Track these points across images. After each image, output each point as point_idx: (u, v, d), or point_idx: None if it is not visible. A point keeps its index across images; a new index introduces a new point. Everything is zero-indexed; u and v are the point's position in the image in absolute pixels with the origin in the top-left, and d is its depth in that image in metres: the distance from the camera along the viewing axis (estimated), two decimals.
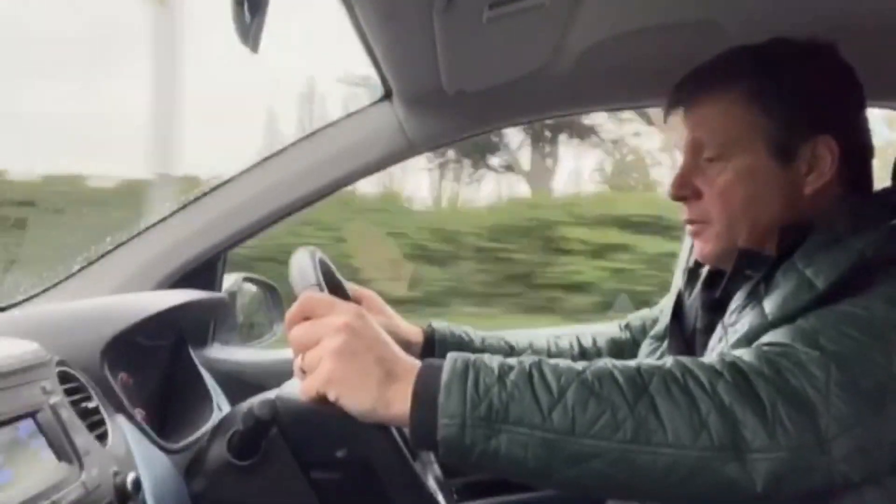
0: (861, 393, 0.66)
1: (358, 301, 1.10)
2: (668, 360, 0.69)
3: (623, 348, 1.19)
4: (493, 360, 0.68)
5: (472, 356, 0.68)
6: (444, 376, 0.66)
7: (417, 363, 0.69)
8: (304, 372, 0.70)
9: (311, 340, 0.70)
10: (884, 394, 0.67)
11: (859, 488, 0.70)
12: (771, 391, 0.65)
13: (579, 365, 0.68)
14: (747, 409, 0.64)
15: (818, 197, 0.87)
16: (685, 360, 0.69)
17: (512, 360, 0.68)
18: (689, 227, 0.94)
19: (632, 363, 0.69)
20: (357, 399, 0.67)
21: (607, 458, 0.63)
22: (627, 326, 1.22)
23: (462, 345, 1.12)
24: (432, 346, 1.10)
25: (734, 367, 0.67)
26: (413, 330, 1.11)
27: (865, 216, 0.81)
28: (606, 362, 0.68)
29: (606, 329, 1.23)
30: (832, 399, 0.65)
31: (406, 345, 1.07)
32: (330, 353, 0.67)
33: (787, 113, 0.86)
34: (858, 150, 0.89)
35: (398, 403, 0.66)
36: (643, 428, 0.63)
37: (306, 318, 0.72)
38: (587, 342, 1.20)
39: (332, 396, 0.68)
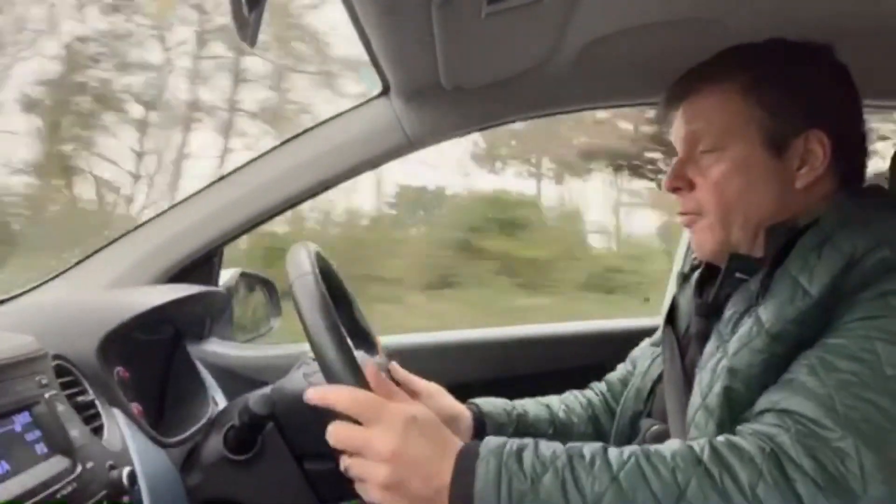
0: (892, 466, 0.66)
1: (414, 392, 1.08)
2: (706, 450, 0.69)
3: (628, 384, 1.18)
4: (526, 459, 0.68)
5: (505, 449, 0.69)
6: (478, 484, 0.67)
7: (455, 456, 0.70)
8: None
9: (354, 450, 0.72)
10: None
11: None
12: (810, 487, 0.65)
13: (613, 462, 0.68)
14: None
15: (809, 193, 0.87)
16: (722, 449, 0.68)
17: (545, 453, 0.69)
18: (682, 219, 0.95)
19: (668, 456, 0.68)
20: None
21: None
22: (631, 361, 1.24)
23: (508, 413, 1.11)
24: (482, 423, 1.09)
25: (772, 457, 0.67)
26: (460, 408, 1.10)
27: (852, 214, 0.82)
28: (641, 460, 0.68)
29: (616, 374, 1.24)
30: (869, 481, 0.65)
31: (452, 420, 1.07)
32: (377, 485, 0.70)
33: (781, 105, 0.87)
34: (851, 147, 0.90)
35: None
36: None
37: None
38: (603, 388, 1.22)
39: None
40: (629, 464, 0.67)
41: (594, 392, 1.22)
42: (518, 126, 5.71)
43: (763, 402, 0.75)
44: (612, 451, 0.70)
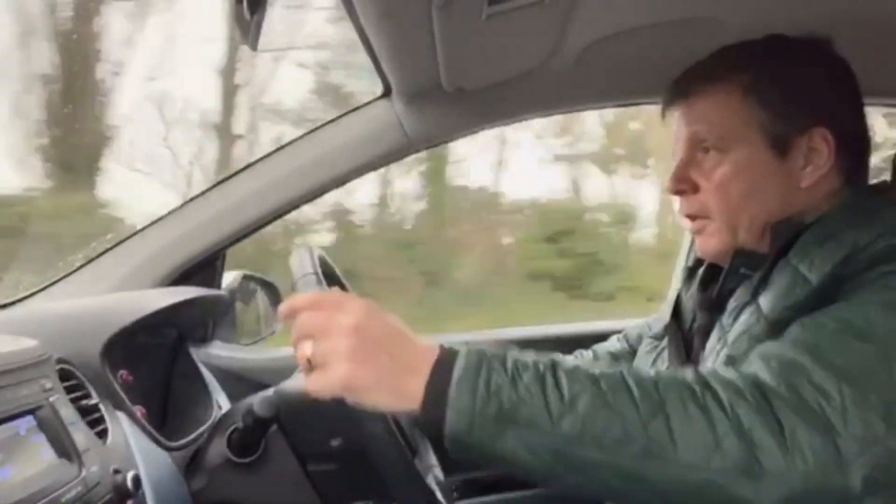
0: (874, 409, 0.66)
1: None
2: (689, 373, 0.68)
3: (619, 359, 1.20)
4: (509, 358, 0.67)
5: (487, 351, 0.68)
6: (457, 371, 0.66)
7: (433, 350, 0.68)
8: (308, 362, 0.69)
9: (319, 332, 0.69)
10: (892, 409, 0.66)
11: None
12: (790, 414, 0.64)
13: (596, 371, 0.67)
14: (766, 432, 0.63)
15: (815, 190, 0.87)
16: (706, 373, 0.68)
17: (528, 359, 0.68)
18: (688, 223, 0.95)
19: (651, 373, 0.68)
20: (375, 399, 0.67)
21: (614, 470, 0.63)
22: (625, 337, 1.24)
23: None
24: None
25: (755, 385, 0.67)
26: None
27: (858, 211, 0.81)
28: (624, 371, 0.67)
29: (606, 344, 1.25)
30: (850, 418, 0.64)
31: None
32: (343, 358, 0.67)
33: (783, 104, 0.86)
34: (855, 143, 0.89)
35: (414, 395, 0.66)
36: (655, 444, 0.63)
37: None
38: (588, 357, 1.23)
39: (349, 399, 0.67)
40: (611, 373, 0.67)
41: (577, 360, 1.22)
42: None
43: (752, 353, 0.75)
44: (596, 367, 0.69)
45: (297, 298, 0.73)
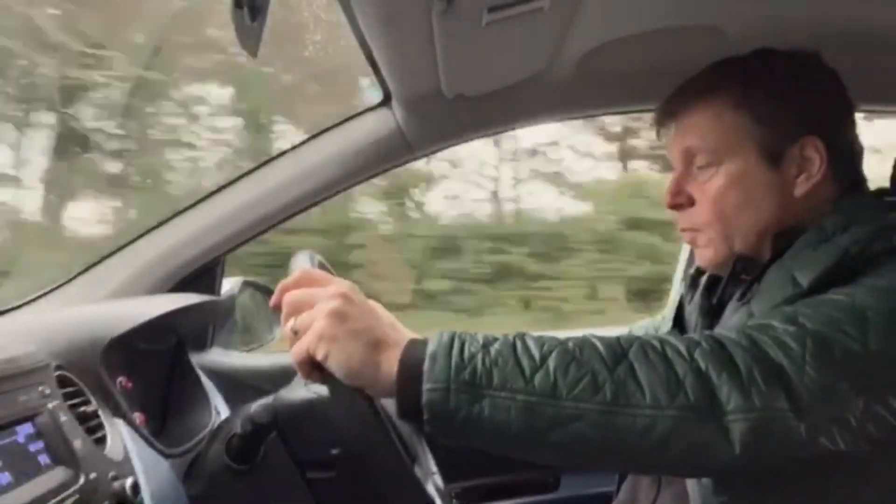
0: (837, 367, 0.67)
1: None
2: (650, 333, 0.71)
3: None
4: (479, 334, 0.70)
5: (459, 330, 0.70)
6: (430, 346, 0.68)
7: (407, 336, 0.71)
8: (294, 334, 0.71)
9: (306, 305, 0.71)
10: (862, 370, 0.68)
11: (848, 476, 0.72)
12: (746, 359, 0.67)
13: (562, 336, 0.70)
14: (723, 373, 0.66)
15: (810, 199, 0.88)
16: (664, 333, 0.71)
17: (497, 333, 0.70)
18: (685, 235, 0.96)
19: (613, 335, 0.71)
20: (346, 358, 0.68)
21: (588, 420, 0.65)
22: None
23: None
24: None
25: (712, 337, 0.70)
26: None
27: (855, 216, 0.82)
28: (588, 335, 0.71)
29: None
30: (807, 370, 0.66)
31: None
32: (324, 313, 0.69)
33: (774, 116, 0.88)
34: (847, 151, 0.91)
35: (385, 369, 0.68)
36: (622, 390, 0.65)
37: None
38: None
39: (321, 354, 0.68)
40: (576, 336, 0.70)
41: None
42: None
43: None
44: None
45: (286, 280, 0.75)
